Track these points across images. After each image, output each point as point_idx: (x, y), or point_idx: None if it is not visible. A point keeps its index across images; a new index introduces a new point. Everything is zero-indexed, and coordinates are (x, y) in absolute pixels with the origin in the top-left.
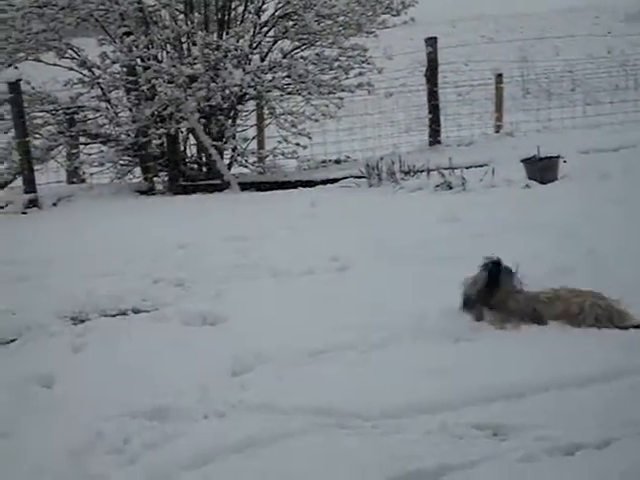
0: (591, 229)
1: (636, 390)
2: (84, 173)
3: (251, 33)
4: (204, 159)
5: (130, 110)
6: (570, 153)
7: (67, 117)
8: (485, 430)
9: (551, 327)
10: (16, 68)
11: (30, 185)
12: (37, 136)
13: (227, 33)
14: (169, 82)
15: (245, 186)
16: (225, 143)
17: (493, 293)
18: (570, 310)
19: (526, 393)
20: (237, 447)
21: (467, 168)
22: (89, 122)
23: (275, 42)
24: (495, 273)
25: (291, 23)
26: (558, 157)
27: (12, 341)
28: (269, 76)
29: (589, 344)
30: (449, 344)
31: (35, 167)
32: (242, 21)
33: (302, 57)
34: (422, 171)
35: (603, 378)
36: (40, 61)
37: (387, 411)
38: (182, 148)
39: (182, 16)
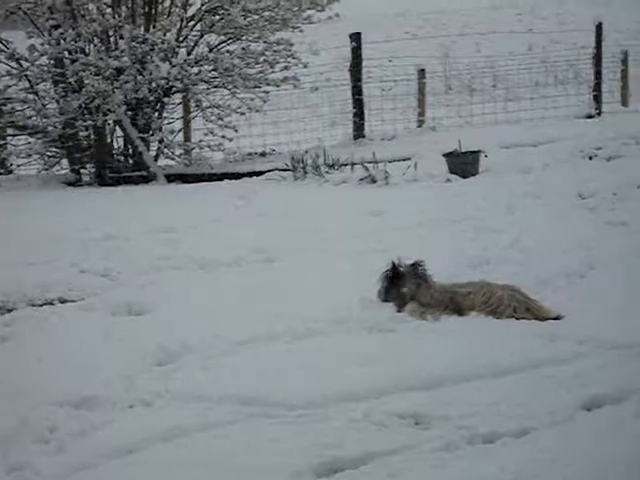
0: (511, 223)
1: (553, 380)
2: (11, 164)
3: (178, 27)
4: (131, 151)
5: (57, 102)
6: (491, 148)
7: None
8: (407, 419)
9: (470, 318)
10: None
11: None
12: None
13: (154, 27)
14: (96, 75)
15: (171, 178)
16: (152, 135)
17: (396, 290)
18: (489, 302)
19: (447, 382)
20: (164, 436)
21: (390, 162)
22: (17, 114)
23: (202, 36)
24: (392, 275)
25: (217, 17)
26: (479, 152)
27: None
28: (195, 69)
29: (508, 335)
30: (372, 334)
31: None
32: (169, 15)
33: (228, 51)
34: (346, 165)
35: (522, 368)
36: None
37: (312, 400)
38: (109, 140)
39: (109, 9)
